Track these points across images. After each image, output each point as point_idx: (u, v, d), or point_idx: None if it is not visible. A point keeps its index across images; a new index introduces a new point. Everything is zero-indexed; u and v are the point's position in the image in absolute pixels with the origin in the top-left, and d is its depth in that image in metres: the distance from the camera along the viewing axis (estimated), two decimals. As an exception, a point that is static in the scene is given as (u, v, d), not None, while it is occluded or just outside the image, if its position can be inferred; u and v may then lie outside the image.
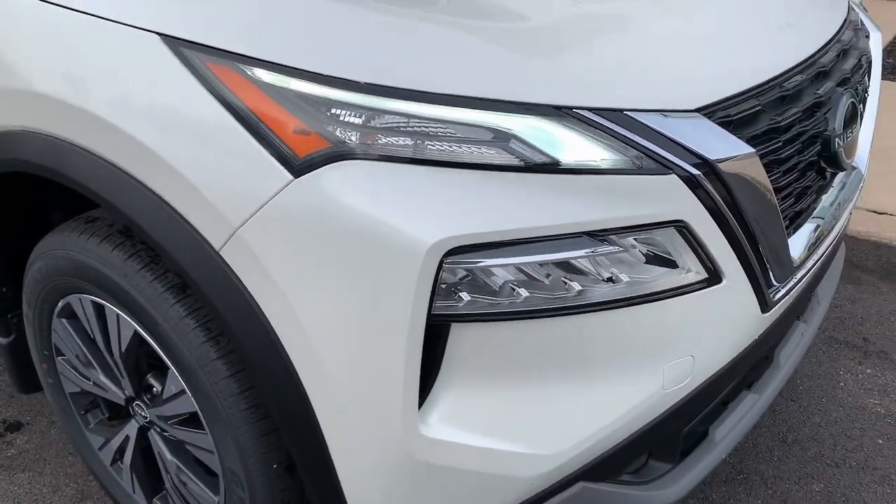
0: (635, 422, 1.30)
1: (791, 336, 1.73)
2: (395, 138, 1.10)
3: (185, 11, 1.21)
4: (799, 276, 1.46)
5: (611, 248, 1.15)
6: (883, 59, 1.83)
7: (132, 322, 1.46)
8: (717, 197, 1.20)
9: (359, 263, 1.11)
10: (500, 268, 1.12)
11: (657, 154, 1.15)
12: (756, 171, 1.25)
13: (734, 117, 1.26)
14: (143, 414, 1.64)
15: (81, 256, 1.47)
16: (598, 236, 1.14)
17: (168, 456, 1.63)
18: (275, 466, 1.42)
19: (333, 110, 1.11)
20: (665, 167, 1.15)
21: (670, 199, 1.17)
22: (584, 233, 1.13)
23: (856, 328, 2.53)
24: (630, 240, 1.17)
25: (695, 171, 1.17)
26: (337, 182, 1.10)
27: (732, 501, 1.92)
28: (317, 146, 1.11)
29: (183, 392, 1.45)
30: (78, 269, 1.49)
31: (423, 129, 1.10)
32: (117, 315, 1.49)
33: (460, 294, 1.12)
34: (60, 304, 1.62)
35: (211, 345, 1.36)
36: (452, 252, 1.08)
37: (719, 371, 1.37)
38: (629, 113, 1.16)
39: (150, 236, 1.25)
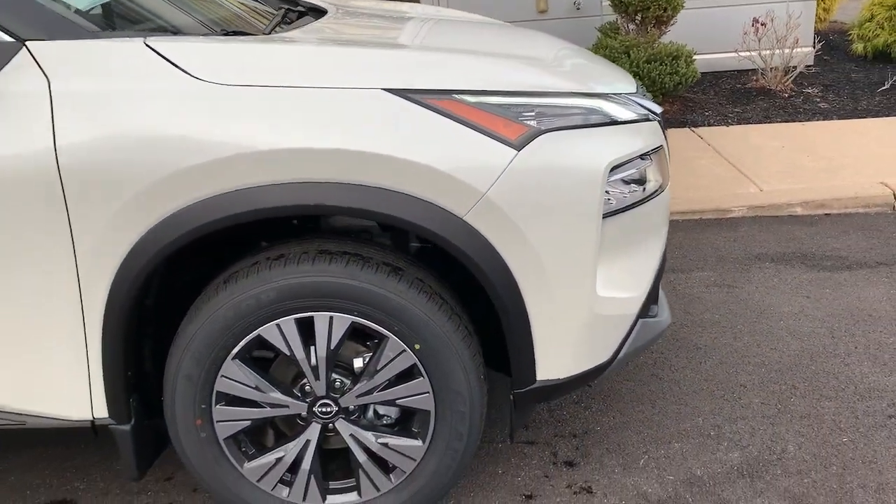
0: (656, 270, 2.26)
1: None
2: (557, 118, 1.93)
3: (405, 72, 1.85)
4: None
5: (648, 161, 2.12)
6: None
7: (348, 317, 1.92)
8: (664, 133, 2.26)
9: (566, 192, 1.89)
10: (620, 180, 2.01)
11: (648, 111, 2.17)
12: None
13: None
14: (327, 410, 2.03)
15: (297, 280, 1.88)
16: (643, 157, 2.10)
17: (363, 433, 2.05)
18: (482, 378, 2.03)
19: (521, 109, 1.89)
20: (652, 117, 2.18)
21: (656, 133, 2.19)
22: (640, 155, 2.08)
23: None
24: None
25: (658, 119, 2.21)
26: (542, 148, 1.87)
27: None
28: (521, 131, 1.87)
29: (402, 352, 1.96)
30: (290, 293, 1.89)
31: (566, 111, 1.95)
32: (330, 318, 1.92)
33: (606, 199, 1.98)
34: (243, 342, 1.94)
35: (431, 301, 1.94)
36: (610, 171, 1.95)
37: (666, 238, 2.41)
38: (624, 95, 2.16)
39: (412, 223, 1.83)
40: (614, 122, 2.03)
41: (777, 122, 6.19)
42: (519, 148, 1.85)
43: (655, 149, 2.15)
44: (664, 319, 2.37)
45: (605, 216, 1.99)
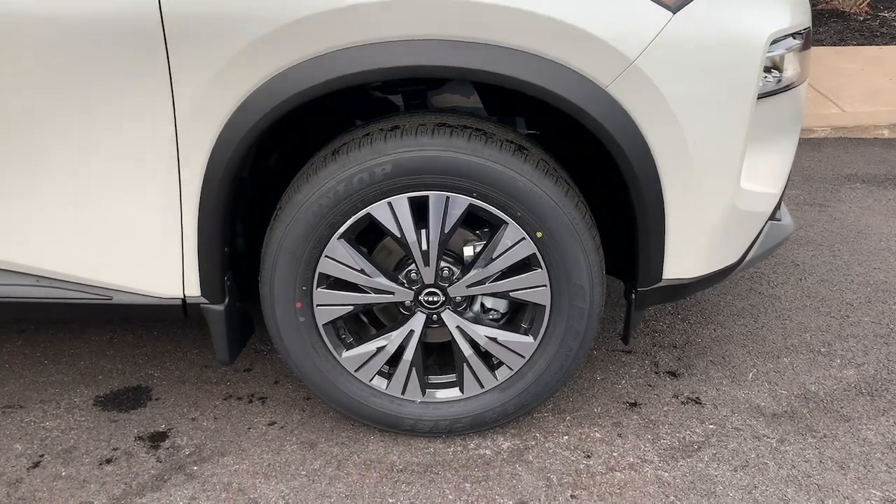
0: (790, 169, 2.06)
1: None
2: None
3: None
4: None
5: (800, 41, 1.88)
6: None
7: (466, 199, 1.74)
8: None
9: (723, 64, 1.68)
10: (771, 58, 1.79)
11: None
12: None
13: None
14: (434, 300, 1.87)
15: (415, 153, 1.70)
16: (794, 36, 1.87)
17: (471, 326, 1.89)
18: (603, 272, 1.86)
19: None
20: None
21: (807, 13, 1.95)
22: (793, 33, 1.85)
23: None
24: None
25: None
26: (699, 13, 1.66)
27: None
28: (679, -10, 1.65)
29: (522, 240, 1.79)
30: (407, 167, 1.70)
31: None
32: (446, 198, 1.75)
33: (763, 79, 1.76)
34: (351, 221, 1.77)
35: (558, 186, 1.76)
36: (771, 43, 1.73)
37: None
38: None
39: (548, 91, 1.63)
40: (773, -9, 1.80)
41: (853, 44, 5.87)
42: (674, 10, 1.64)
43: (805, 29, 1.93)
44: (789, 224, 2.19)
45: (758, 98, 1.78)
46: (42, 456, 1.98)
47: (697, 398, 2.17)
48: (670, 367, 2.31)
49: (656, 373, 2.29)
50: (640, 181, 1.73)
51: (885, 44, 5.88)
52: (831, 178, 3.67)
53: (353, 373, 1.94)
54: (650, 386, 2.23)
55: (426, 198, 1.76)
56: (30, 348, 2.43)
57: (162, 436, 2.05)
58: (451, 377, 2.00)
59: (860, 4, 6.45)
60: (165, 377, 2.29)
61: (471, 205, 1.76)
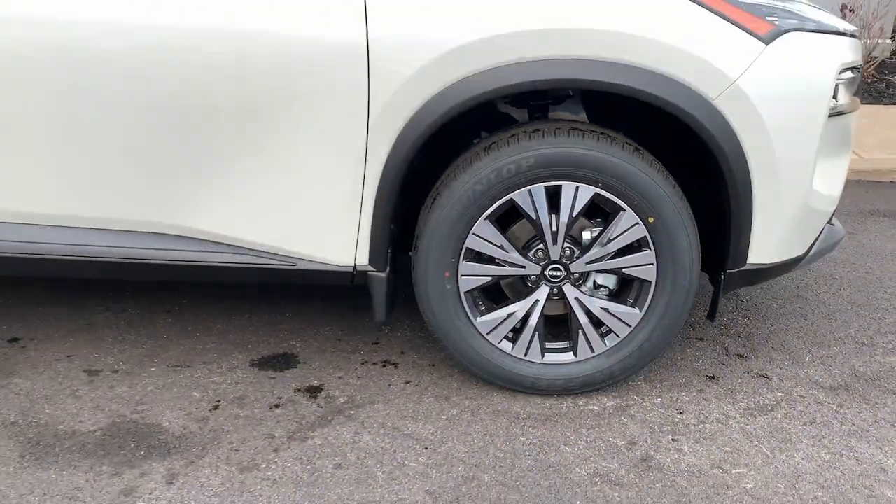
0: (845, 179, 2.48)
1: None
2: (796, 20, 2.16)
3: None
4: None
5: (857, 74, 2.33)
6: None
7: (592, 188, 2.16)
8: (860, 56, 2.48)
9: (805, 85, 2.12)
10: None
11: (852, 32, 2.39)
12: None
13: None
14: (558, 274, 2.27)
15: (554, 150, 2.12)
16: (853, 70, 2.32)
17: (587, 297, 2.29)
18: (699, 256, 2.27)
19: (766, 10, 2.12)
20: (857, 35, 2.40)
21: (860, 52, 2.41)
22: (853, 67, 2.30)
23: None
24: None
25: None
26: (786, 45, 2.11)
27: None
28: (768, 28, 2.10)
29: (635, 224, 2.20)
30: (547, 161, 2.12)
31: (802, 17, 2.18)
32: (576, 188, 2.17)
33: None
34: (497, 204, 2.18)
35: (667, 181, 2.18)
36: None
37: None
38: (830, 15, 2.39)
39: (668, 102, 2.06)
40: (838, 33, 2.26)
41: (862, 103, 6.37)
42: (767, 42, 2.08)
43: (859, 65, 2.38)
44: (841, 229, 2.61)
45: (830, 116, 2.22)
46: (219, 401, 2.34)
47: (765, 374, 2.56)
48: (739, 351, 2.70)
49: (727, 355, 2.67)
50: (735, 178, 2.15)
51: (892, 104, 6.41)
52: (856, 213, 4.11)
53: (485, 335, 2.33)
54: (724, 364, 2.61)
55: (559, 187, 2.17)
56: (180, 324, 2.80)
57: (317, 389, 2.42)
58: (564, 344, 2.39)
59: (867, 69, 7.00)
60: (306, 347, 2.67)
61: (595, 193, 2.17)
